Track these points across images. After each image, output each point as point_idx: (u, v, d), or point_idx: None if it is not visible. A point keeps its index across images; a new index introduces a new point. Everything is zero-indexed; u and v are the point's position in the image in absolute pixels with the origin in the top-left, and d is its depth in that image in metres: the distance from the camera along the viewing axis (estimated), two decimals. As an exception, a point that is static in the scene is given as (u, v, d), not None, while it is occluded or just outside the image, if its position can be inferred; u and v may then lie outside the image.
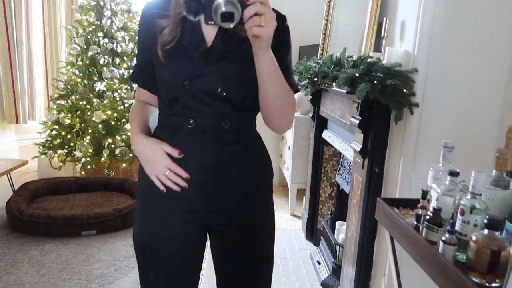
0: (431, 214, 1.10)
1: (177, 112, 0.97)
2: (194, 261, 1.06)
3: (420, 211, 1.18)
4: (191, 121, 0.95)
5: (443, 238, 1.03)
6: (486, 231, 0.95)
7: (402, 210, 1.35)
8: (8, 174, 3.20)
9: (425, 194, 1.22)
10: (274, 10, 0.94)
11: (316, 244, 2.82)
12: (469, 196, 1.06)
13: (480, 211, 1.05)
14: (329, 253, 2.45)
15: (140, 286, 1.09)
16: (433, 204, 1.16)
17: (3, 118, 4.44)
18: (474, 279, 0.92)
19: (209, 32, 0.94)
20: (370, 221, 1.80)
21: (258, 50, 0.84)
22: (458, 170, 1.16)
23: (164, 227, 1.01)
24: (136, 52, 1.07)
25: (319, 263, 2.49)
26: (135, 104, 1.10)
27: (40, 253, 2.47)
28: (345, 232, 2.13)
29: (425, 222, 1.11)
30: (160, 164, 0.96)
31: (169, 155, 0.96)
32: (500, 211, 1.07)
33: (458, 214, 1.07)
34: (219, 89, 0.93)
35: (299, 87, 1.90)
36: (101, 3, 3.74)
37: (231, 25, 0.80)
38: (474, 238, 0.96)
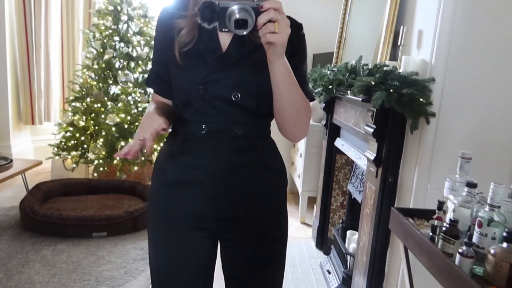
0: (447, 226, 1.08)
1: (191, 117, 0.97)
2: (205, 268, 1.05)
3: (436, 222, 1.16)
4: (204, 126, 0.95)
5: (460, 251, 1.01)
6: (505, 244, 0.93)
7: (417, 221, 1.33)
8: (23, 174, 3.25)
9: (441, 205, 1.20)
10: (290, 18, 0.93)
11: (327, 253, 2.79)
12: (487, 208, 1.05)
13: (498, 223, 1.02)
14: (339, 262, 2.43)
15: (151, 290, 1.09)
16: (449, 215, 1.14)
17: (19, 119, 4.51)
18: (492, 293, 0.90)
19: (225, 38, 0.94)
20: (382, 231, 1.77)
21: (272, 57, 0.84)
22: (475, 182, 1.14)
23: (176, 235, 1.01)
24: (152, 57, 1.06)
25: (329, 273, 2.46)
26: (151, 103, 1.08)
27: (51, 253, 2.49)
28: (356, 241, 2.10)
29: (441, 234, 1.09)
30: (145, 130, 0.88)
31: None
32: (519, 224, 1.05)
33: (476, 227, 1.05)
34: (233, 95, 0.93)
35: (314, 95, 1.91)
36: (118, 8, 3.80)
37: (245, 32, 0.80)
38: (492, 251, 0.94)
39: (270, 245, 1.05)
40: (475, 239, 1.04)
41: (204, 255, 1.03)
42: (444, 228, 1.09)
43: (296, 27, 0.97)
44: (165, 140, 1.07)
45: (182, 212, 0.99)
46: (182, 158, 0.98)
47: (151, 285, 1.08)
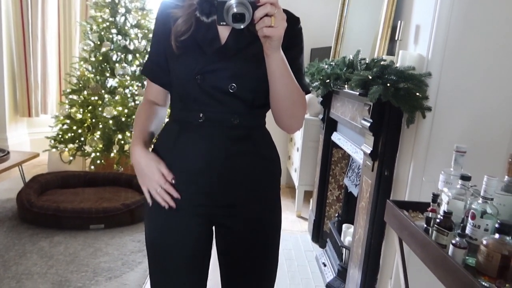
0: (441, 217, 1.11)
1: (188, 106, 0.98)
2: (201, 256, 1.06)
3: (430, 214, 1.18)
4: (201, 115, 0.97)
5: (453, 241, 1.03)
6: (497, 236, 0.95)
7: (412, 213, 1.35)
8: (20, 166, 3.24)
9: (435, 197, 1.22)
10: (287, 12, 0.95)
11: (322, 246, 2.82)
12: (480, 201, 1.07)
13: (491, 215, 1.04)
14: (335, 255, 2.45)
15: (148, 280, 1.10)
16: (443, 207, 1.16)
17: (15, 111, 4.50)
18: (483, 283, 0.92)
19: (224, 30, 0.95)
20: (378, 224, 1.80)
21: (268, 51, 0.85)
22: (470, 175, 1.16)
23: (172, 222, 1.02)
24: (150, 47, 1.07)
25: (325, 265, 2.49)
26: (142, 105, 1.08)
27: (49, 245, 2.50)
28: (352, 234, 2.12)
29: (435, 225, 1.11)
30: (153, 181, 0.98)
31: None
32: (511, 216, 1.07)
33: (469, 218, 1.07)
34: (230, 85, 0.94)
35: (311, 89, 1.91)
36: (116, 0, 3.78)
37: (242, 26, 0.81)
38: (484, 242, 0.96)
39: (264, 232, 1.07)
40: (468, 230, 1.06)
41: (200, 242, 1.04)
42: (438, 220, 1.11)
43: (293, 21, 0.99)
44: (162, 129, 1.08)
45: (179, 200, 1.00)
46: (179, 146, 0.99)
47: (149, 275, 1.10)
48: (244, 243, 1.05)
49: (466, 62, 1.56)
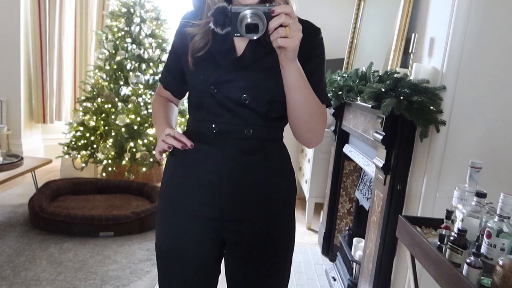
0: (455, 235, 1.07)
1: (202, 117, 0.98)
2: (211, 268, 1.05)
3: (444, 231, 1.15)
4: (214, 126, 0.96)
5: (468, 261, 1.00)
6: (514, 256, 0.92)
7: (425, 230, 1.32)
8: (33, 172, 3.28)
9: (449, 214, 1.19)
10: (307, 22, 0.94)
11: (332, 259, 2.77)
12: (496, 219, 1.03)
13: (507, 235, 1.01)
14: (345, 269, 2.41)
15: (156, 290, 1.09)
16: (457, 225, 1.13)
17: (31, 117, 4.58)
18: (499, 305, 0.89)
19: (240, 42, 0.95)
20: (389, 239, 1.76)
21: (284, 62, 0.84)
22: (485, 191, 1.12)
23: (182, 232, 1.01)
24: (168, 56, 1.10)
25: (335, 279, 2.45)
26: (157, 100, 1.12)
27: (58, 251, 2.51)
28: (362, 249, 2.08)
29: (449, 243, 1.08)
30: (165, 131, 0.97)
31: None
32: (529, 236, 1.04)
33: (484, 237, 1.04)
34: (243, 96, 0.93)
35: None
36: (131, 10, 3.85)
37: (255, 37, 0.81)
38: (501, 262, 0.93)
39: (274, 250, 1.04)
40: (483, 249, 1.03)
41: (210, 255, 1.03)
42: (452, 238, 1.08)
43: (314, 31, 0.98)
44: None
45: (189, 210, 1.00)
46: (192, 157, 0.98)
47: (157, 283, 1.09)
48: (252, 260, 1.03)
49: (481, 75, 1.53)
